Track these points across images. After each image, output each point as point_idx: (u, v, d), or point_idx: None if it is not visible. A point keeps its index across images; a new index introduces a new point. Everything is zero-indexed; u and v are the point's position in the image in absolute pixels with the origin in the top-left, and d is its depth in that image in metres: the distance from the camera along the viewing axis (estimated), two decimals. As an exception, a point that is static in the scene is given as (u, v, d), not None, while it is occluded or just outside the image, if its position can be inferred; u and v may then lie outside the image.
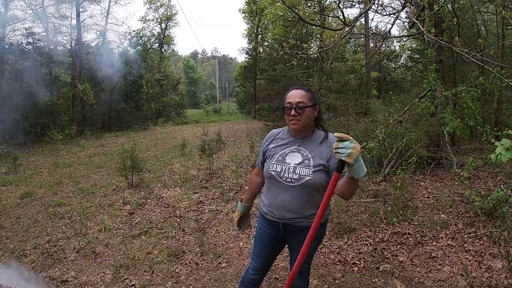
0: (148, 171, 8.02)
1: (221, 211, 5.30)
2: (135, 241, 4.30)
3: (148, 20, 25.53)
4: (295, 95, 2.03)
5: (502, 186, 4.90)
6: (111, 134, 17.36)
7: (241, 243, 4.20)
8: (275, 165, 2.08)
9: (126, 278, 3.42)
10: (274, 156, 2.12)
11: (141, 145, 12.88)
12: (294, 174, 2.01)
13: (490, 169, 6.58)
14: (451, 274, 3.27)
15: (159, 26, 26.11)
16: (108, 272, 3.56)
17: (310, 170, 1.99)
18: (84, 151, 12.02)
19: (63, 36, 19.15)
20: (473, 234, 3.99)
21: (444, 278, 3.23)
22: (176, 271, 3.56)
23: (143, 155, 9.91)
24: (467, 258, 3.52)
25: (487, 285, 3.06)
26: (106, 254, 4.00)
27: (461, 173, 5.27)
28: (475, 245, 3.76)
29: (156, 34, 25.85)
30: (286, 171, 2.04)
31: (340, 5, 5.26)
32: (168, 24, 26.24)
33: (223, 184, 6.60)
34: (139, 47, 23.24)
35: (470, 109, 6.15)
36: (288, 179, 2.02)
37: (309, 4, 15.56)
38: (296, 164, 2.02)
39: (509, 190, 4.33)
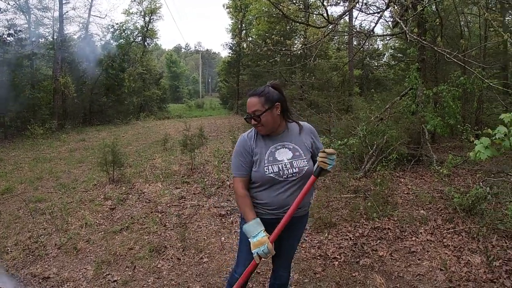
0: (129, 166, 7.91)
1: (203, 206, 5.28)
2: (117, 237, 4.25)
3: (132, 13, 25.15)
4: (249, 104, 2.04)
5: (481, 183, 5.03)
6: (92, 128, 17.00)
7: (223, 238, 4.20)
8: (269, 167, 2.04)
9: (108, 274, 3.39)
10: (262, 159, 2.07)
11: (122, 139, 12.67)
12: (293, 169, 2.04)
13: (469, 166, 6.74)
14: (430, 269, 3.34)
15: (143, 19, 25.72)
16: (90, 268, 3.52)
17: (305, 160, 2.08)
18: (65, 146, 11.75)
19: (45, 28, 18.71)
20: (452, 230, 4.08)
21: (423, 272, 3.30)
22: (158, 266, 3.54)
23: (124, 149, 9.74)
24: (446, 253, 3.60)
25: (466, 279, 3.14)
26: (88, 250, 3.94)
27: (441, 170, 5.38)
28: (454, 241, 3.84)
29: (140, 27, 25.43)
30: (284, 168, 2.04)
31: (324, 3, 5.28)
32: (151, 17, 25.87)
33: (205, 179, 6.57)
34: (122, 40, 22.80)
35: (451, 108, 6.29)
36: (289, 175, 2.04)
37: (294, 1, 15.57)
38: (290, 159, 2.06)
39: (488, 188, 4.46)
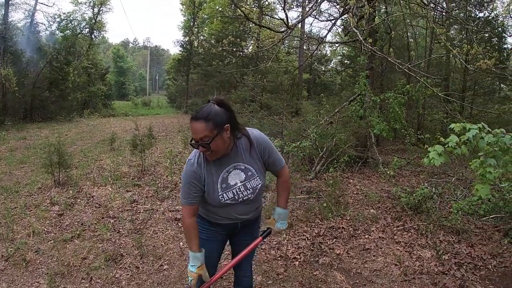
0: (75, 167, 7.44)
1: (157, 210, 5.13)
2: (68, 246, 3.97)
3: (80, 2, 23.48)
4: (195, 130, 1.80)
5: (426, 184, 5.45)
6: (33, 125, 15.69)
7: (181, 243, 4.10)
8: (224, 194, 1.98)
9: (64, 287, 3.17)
10: (214, 186, 1.98)
11: (66, 138, 11.87)
12: (247, 190, 2.02)
13: (412, 168, 7.27)
14: (386, 264, 3.56)
15: (92, 10, 24.21)
16: (43, 281, 3.25)
17: (258, 178, 2.04)
18: (5, 144, 10.68)
19: None
20: (402, 227, 4.38)
21: (379, 268, 3.50)
22: (116, 276, 3.37)
23: (68, 149, 9.17)
24: (398, 249, 3.86)
25: (420, 272, 3.39)
26: (38, 261, 3.63)
27: (388, 172, 5.74)
28: (404, 237, 4.13)
29: (88, 18, 23.93)
30: (239, 192, 2.00)
31: (285, 8, 5.40)
32: (101, 8, 24.50)
33: (157, 182, 6.37)
34: (68, 31, 21.38)
35: (397, 113, 6.75)
36: (245, 197, 2.02)
37: (248, 2, 15.67)
38: (243, 181, 2.01)
39: (433, 188, 4.85)
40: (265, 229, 2.28)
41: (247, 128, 2.03)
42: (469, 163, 2.61)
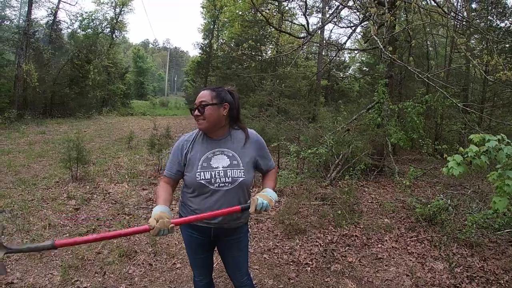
0: (93, 163, 7.61)
1: (172, 209, 5.19)
2: (83, 240, 4.07)
3: (103, 2, 24.20)
4: (199, 95, 2.00)
5: (441, 195, 5.38)
6: (52, 121, 16.08)
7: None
8: (202, 173, 1.96)
9: (77, 280, 3.22)
10: (195, 163, 1.99)
11: (84, 135, 12.16)
12: (226, 178, 1.97)
13: (429, 179, 7.16)
14: (397, 274, 3.52)
15: (113, 10, 24.87)
16: (57, 273, 3.32)
17: (242, 171, 2.00)
18: (24, 138, 11.01)
19: (12, 11, 17.65)
20: (415, 238, 4.32)
21: (391, 277, 3.46)
22: (129, 272, 3.42)
23: (86, 146, 9.38)
24: (411, 260, 3.81)
25: (431, 284, 3.34)
26: (53, 253, 3.70)
27: (403, 182, 5.68)
28: (418, 248, 4.08)
29: (109, 18, 24.58)
30: (217, 176, 1.96)
31: (306, 14, 5.43)
32: (122, 9, 25.08)
33: (173, 182, 6.46)
34: (90, 30, 21.94)
35: (415, 123, 6.67)
36: (221, 184, 1.96)
37: (269, 7, 15.75)
38: (225, 167, 1.98)
39: (449, 200, 4.79)
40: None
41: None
42: (487, 175, 2.57)
